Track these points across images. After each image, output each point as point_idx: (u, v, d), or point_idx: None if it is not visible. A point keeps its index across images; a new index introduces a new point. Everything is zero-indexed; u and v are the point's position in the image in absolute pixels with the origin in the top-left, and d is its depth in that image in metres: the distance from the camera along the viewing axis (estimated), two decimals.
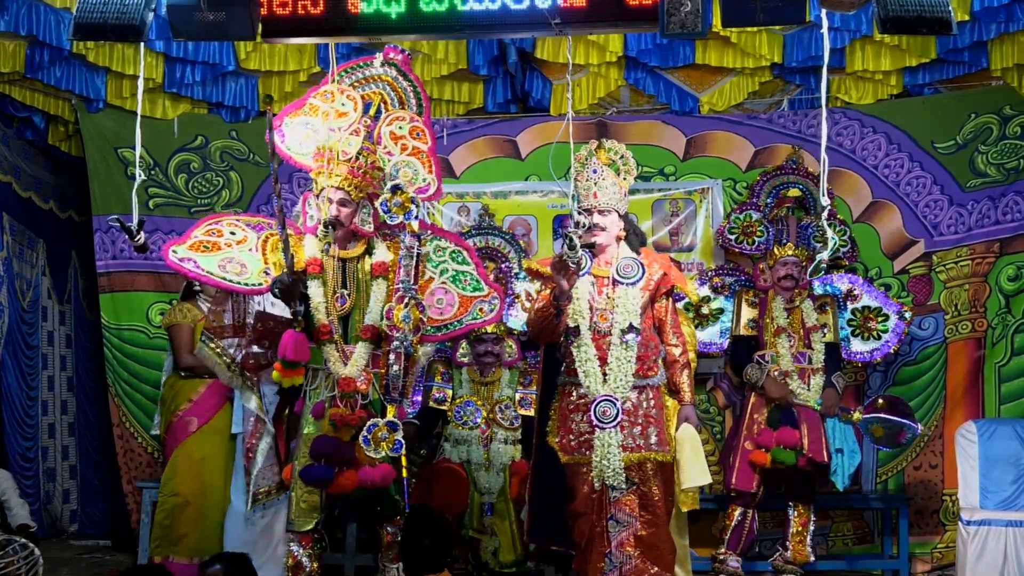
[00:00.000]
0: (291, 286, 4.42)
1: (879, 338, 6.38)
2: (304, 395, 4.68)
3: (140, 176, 4.37)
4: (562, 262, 4.51)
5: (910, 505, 6.44)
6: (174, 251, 4.51)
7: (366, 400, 4.55)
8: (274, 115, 4.71)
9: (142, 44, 4.45)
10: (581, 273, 4.86)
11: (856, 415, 6.06)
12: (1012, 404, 6.61)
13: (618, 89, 7.04)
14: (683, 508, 5.13)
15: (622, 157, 5.09)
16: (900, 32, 4.91)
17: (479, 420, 5.91)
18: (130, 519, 6.92)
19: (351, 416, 4.46)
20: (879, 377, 6.75)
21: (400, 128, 4.85)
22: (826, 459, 5.90)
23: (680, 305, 5.79)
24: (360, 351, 4.57)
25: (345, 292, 4.65)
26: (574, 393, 4.92)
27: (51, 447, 7.45)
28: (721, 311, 6.39)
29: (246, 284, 4.54)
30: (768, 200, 6.55)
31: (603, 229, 4.93)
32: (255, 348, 4.84)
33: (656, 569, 4.80)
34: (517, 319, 6.13)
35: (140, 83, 4.77)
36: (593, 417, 4.81)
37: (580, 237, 4.39)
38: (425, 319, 4.56)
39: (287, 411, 4.86)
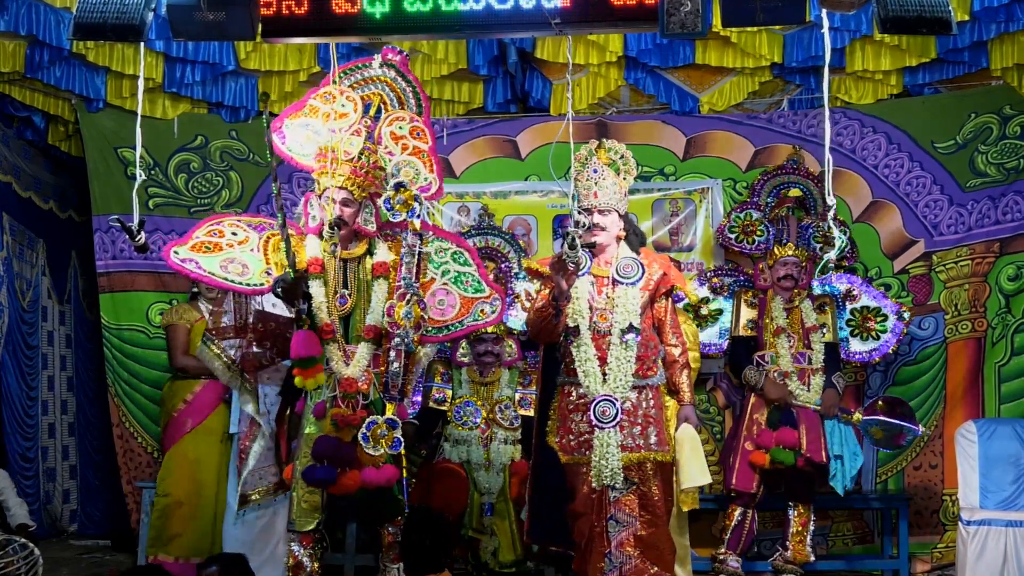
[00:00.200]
0: (293, 285, 4.42)
1: (878, 338, 6.37)
2: (305, 395, 4.68)
3: (141, 176, 4.36)
4: (561, 262, 4.51)
5: (910, 505, 6.44)
6: (175, 252, 4.50)
7: (367, 400, 4.55)
8: (272, 114, 4.71)
9: (142, 44, 4.43)
10: (581, 273, 4.87)
11: (856, 416, 6.07)
12: (1012, 404, 6.61)
13: (618, 89, 7.04)
14: (684, 508, 5.13)
15: (622, 157, 5.09)
16: (900, 32, 4.90)
17: (479, 420, 5.91)
18: (130, 519, 6.92)
19: (353, 416, 4.45)
20: (879, 377, 6.75)
21: (400, 128, 4.86)
22: (825, 460, 5.90)
23: (680, 305, 5.79)
24: (362, 351, 4.57)
25: (346, 292, 4.65)
26: (574, 393, 4.92)
27: (51, 447, 7.45)
28: (720, 312, 6.39)
29: (248, 284, 4.53)
30: (768, 200, 6.55)
31: (603, 229, 4.94)
32: (255, 348, 4.84)
33: (656, 569, 4.80)
34: (517, 319, 6.13)
35: (140, 83, 4.76)
36: (592, 417, 4.82)
37: (580, 237, 4.39)
38: (426, 317, 4.57)
39: (289, 411, 4.86)
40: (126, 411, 7.02)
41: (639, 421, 4.87)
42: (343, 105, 4.77)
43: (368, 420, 4.42)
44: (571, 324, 4.88)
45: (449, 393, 6.00)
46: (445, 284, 4.77)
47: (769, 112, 7.03)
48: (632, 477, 4.82)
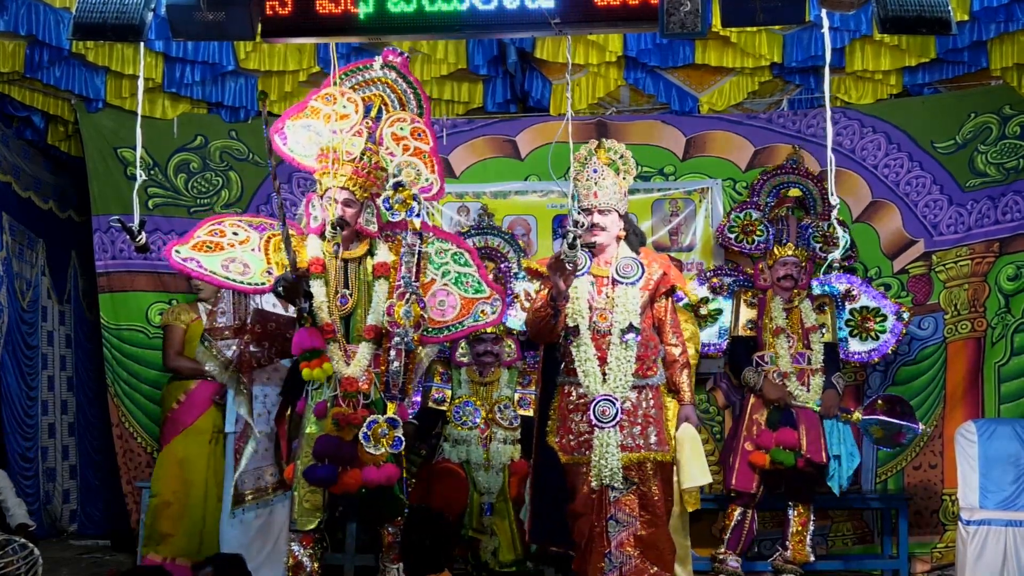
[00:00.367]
0: (294, 284, 4.42)
1: (877, 338, 6.37)
2: (306, 395, 4.69)
3: (141, 176, 4.36)
4: (559, 262, 4.51)
5: (910, 505, 6.44)
6: (177, 251, 4.51)
7: (368, 400, 4.55)
8: (270, 112, 4.71)
9: (142, 44, 4.44)
10: (580, 273, 4.87)
11: (856, 416, 6.07)
12: (1012, 404, 6.61)
13: (618, 89, 7.04)
14: (688, 508, 5.14)
15: (622, 157, 5.09)
16: (900, 32, 4.90)
17: (478, 420, 5.91)
18: (129, 519, 6.92)
19: (354, 415, 4.45)
20: (879, 377, 6.75)
21: (401, 129, 4.87)
22: (824, 460, 5.90)
23: (680, 305, 5.79)
24: (363, 351, 4.57)
25: (347, 292, 4.66)
26: (573, 393, 4.92)
27: (51, 447, 7.45)
28: (720, 311, 6.38)
29: (249, 284, 4.53)
30: (768, 199, 6.55)
31: (603, 229, 4.93)
32: (252, 348, 4.84)
33: (656, 569, 4.80)
34: (516, 319, 6.13)
35: (140, 83, 4.76)
36: (592, 417, 4.81)
37: (580, 236, 4.39)
38: (426, 316, 4.57)
39: (289, 411, 4.86)
40: (126, 411, 7.02)
41: (639, 421, 4.87)
42: (344, 106, 4.78)
43: (369, 419, 4.42)
44: (571, 324, 4.88)
45: (448, 393, 6.01)
46: (445, 285, 4.78)
47: (769, 112, 7.03)
48: (632, 477, 4.82)
